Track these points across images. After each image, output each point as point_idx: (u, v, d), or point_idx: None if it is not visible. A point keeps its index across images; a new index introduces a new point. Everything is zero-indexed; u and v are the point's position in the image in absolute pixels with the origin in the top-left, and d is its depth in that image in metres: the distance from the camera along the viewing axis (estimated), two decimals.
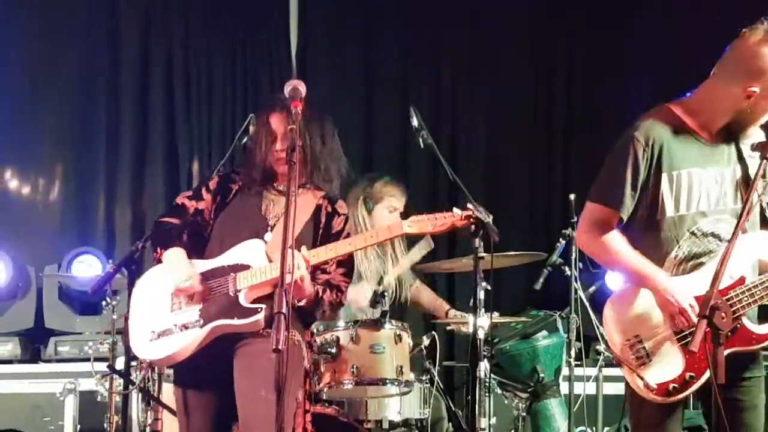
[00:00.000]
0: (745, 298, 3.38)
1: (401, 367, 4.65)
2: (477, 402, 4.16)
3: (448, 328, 5.49)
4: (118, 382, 5.03)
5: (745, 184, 3.46)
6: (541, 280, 5.28)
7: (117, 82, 7.02)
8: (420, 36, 7.32)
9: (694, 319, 3.25)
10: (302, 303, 3.66)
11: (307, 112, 3.58)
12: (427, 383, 5.04)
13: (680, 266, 3.47)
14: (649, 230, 3.50)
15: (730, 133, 3.49)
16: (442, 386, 5.22)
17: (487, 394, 4.29)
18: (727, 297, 3.36)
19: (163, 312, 3.73)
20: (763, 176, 3.37)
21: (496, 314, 4.76)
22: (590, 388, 5.43)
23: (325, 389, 4.63)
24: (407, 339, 4.78)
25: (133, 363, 4.66)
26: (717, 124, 3.47)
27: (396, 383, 4.67)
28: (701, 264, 3.46)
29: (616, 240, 3.51)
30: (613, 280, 5.80)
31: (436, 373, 5.06)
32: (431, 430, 5.09)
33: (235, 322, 3.61)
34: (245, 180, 3.91)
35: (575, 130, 7.24)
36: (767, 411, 3.48)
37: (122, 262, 4.58)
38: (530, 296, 5.44)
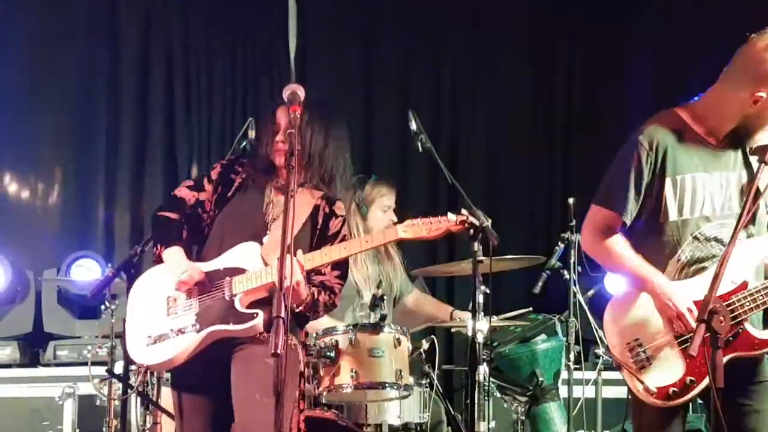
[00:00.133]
0: (747, 303, 3.38)
1: (400, 370, 4.64)
2: (476, 406, 4.17)
3: (453, 330, 5.47)
4: (118, 386, 5.03)
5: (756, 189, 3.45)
6: (540, 283, 5.28)
7: (117, 82, 7.02)
8: (420, 36, 7.31)
9: (692, 324, 3.26)
10: (300, 308, 3.65)
11: (312, 112, 3.62)
12: (426, 387, 5.03)
13: (683, 270, 3.47)
14: (652, 234, 3.50)
15: (738, 138, 3.48)
16: (441, 390, 5.22)
17: (486, 398, 4.26)
18: (729, 302, 3.36)
19: (159, 316, 3.72)
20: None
21: (495, 318, 4.76)
22: (589, 392, 5.44)
23: (325, 393, 4.62)
24: (406, 343, 4.77)
25: (133, 367, 4.65)
26: (724, 129, 3.47)
27: (395, 387, 4.65)
28: (704, 268, 3.45)
29: (618, 244, 3.52)
30: (612, 284, 5.80)
31: (435, 377, 5.06)
32: None
33: (231, 327, 3.60)
34: (248, 172, 3.89)
35: (575, 131, 7.23)
36: None
37: (121, 266, 4.57)
38: (529, 300, 5.43)
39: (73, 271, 6.24)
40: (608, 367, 5.40)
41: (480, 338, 4.16)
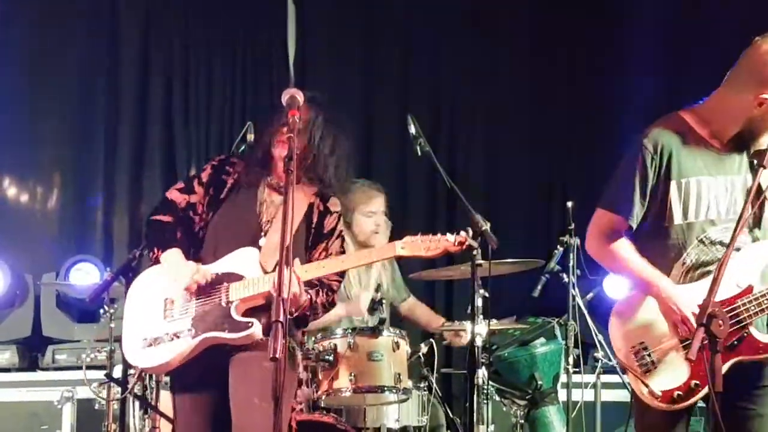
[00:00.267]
0: (753, 307, 3.36)
1: (399, 374, 4.66)
2: (475, 409, 4.16)
3: (444, 343, 5.48)
4: (116, 389, 5.02)
5: (756, 192, 3.43)
6: (539, 287, 5.28)
7: (116, 82, 7.01)
8: (420, 36, 7.29)
9: None
10: (297, 313, 3.64)
11: (325, 115, 3.69)
12: (425, 390, 5.04)
13: (688, 274, 3.46)
14: (656, 237, 3.49)
15: (742, 142, 3.47)
16: (440, 393, 5.23)
17: (485, 402, 4.26)
18: (734, 306, 3.35)
19: (155, 318, 3.71)
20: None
21: (494, 321, 4.76)
22: (588, 395, 5.43)
23: (323, 397, 4.64)
24: (405, 346, 4.78)
25: (131, 371, 4.65)
26: (728, 132, 3.46)
27: (394, 391, 4.68)
28: (709, 272, 3.42)
29: (624, 247, 3.51)
30: (611, 287, 5.80)
31: (434, 381, 5.06)
32: None
33: (226, 335, 3.59)
34: (241, 171, 3.87)
35: (575, 132, 7.21)
36: None
37: (120, 270, 4.58)
38: (528, 304, 5.43)
39: (71, 275, 6.23)
40: (607, 371, 5.39)
41: (479, 342, 4.16)
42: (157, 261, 3.80)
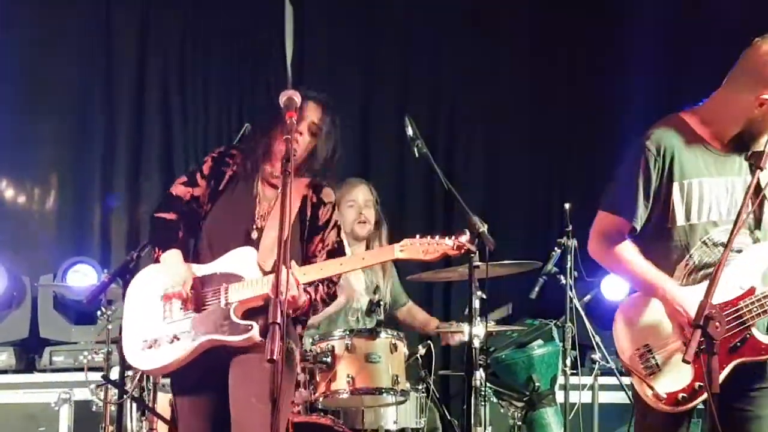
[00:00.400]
0: (755, 309, 3.35)
1: (397, 376, 4.65)
2: (473, 411, 4.16)
3: (442, 344, 5.48)
4: (114, 391, 5.02)
5: (755, 193, 3.43)
6: (537, 288, 5.28)
7: (114, 84, 6.99)
8: (420, 36, 7.28)
9: None
10: (296, 314, 3.64)
11: (333, 118, 3.74)
12: (422, 392, 5.03)
13: (690, 275, 3.44)
14: (659, 239, 3.48)
15: (742, 143, 3.45)
16: (437, 395, 5.22)
17: (482, 403, 4.27)
18: (737, 307, 3.34)
19: (155, 319, 3.70)
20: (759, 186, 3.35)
21: (491, 323, 4.75)
22: (586, 397, 5.44)
23: (321, 399, 4.63)
24: (403, 348, 4.78)
25: (129, 373, 4.65)
26: (729, 133, 3.45)
27: (392, 392, 4.68)
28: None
29: (627, 250, 3.49)
30: (609, 289, 5.80)
31: (431, 383, 5.05)
32: None
33: (226, 338, 3.59)
34: (239, 162, 3.86)
35: (575, 132, 7.20)
36: None
37: (117, 271, 4.57)
38: (525, 305, 5.43)
39: (69, 277, 6.22)
40: (604, 372, 5.39)
41: (476, 343, 4.16)
42: (158, 261, 3.80)
